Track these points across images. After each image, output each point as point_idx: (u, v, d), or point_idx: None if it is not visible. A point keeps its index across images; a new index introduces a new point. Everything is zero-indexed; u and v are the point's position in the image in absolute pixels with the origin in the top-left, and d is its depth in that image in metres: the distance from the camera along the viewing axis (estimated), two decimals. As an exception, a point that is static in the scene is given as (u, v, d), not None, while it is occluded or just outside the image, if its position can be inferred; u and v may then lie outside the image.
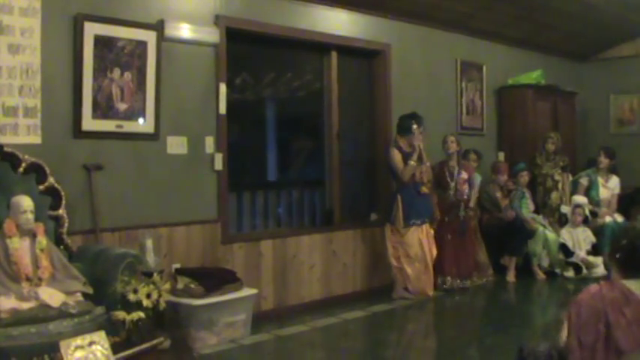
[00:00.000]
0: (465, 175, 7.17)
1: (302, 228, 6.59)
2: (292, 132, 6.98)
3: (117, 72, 4.93)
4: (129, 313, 3.91)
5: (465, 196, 7.13)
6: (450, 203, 7.01)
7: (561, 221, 8.00)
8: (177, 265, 5.22)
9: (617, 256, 2.77)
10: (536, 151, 8.28)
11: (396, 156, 6.48)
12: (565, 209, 7.95)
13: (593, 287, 2.79)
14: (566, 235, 7.64)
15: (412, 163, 6.46)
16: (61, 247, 4.33)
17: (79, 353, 3.50)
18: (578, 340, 2.69)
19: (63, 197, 4.44)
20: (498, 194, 7.67)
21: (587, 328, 2.67)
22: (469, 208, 7.16)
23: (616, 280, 2.77)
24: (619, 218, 7.85)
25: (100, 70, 4.83)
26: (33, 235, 4.04)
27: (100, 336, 3.63)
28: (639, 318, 2.61)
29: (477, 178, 7.66)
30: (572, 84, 9.40)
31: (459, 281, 6.95)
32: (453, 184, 7.04)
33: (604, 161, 8.08)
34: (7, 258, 3.90)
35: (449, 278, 6.89)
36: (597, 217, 7.85)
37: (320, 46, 6.61)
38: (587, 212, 7.78)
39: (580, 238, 7.52)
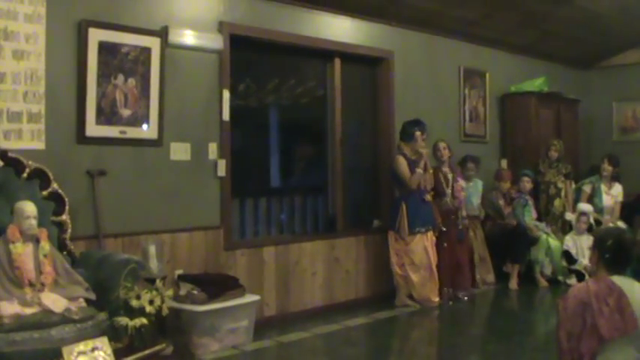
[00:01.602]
0: (462, 182, 7.13)
1: (304, 234, 6.59)
2: (295, 138, 6.98)
3: (121, 78, 4.94)
4: (131, 319, 3.91)
5: (463, 204, 7.09)
6: (447, 210, 6.89)
7: (564, 229, 8.00)
8: (180, 272, 5.21)
9: (607, 256, 2.99)
10: (539, 158, 8.28)
11: (402, 164, 6.47)
12: (569, 217, 7.94)
13: (580, 284, 3.06)
14: (570, 242, 7.63)
15: (419, 171, 6.43)
16: (64, 252, 4.34)
17: (81, 359, 3.50)
18: (566, 332, 2.90)
19: (66, 203, 4.45)
20: (501, 202, 7.67)
21: (575, 318, 2.88)
22: (465, 217, 7.11)
23: (601, 276, 2.98)
24: (622, 226, 7.83)
25: (104, 76, 4.84)
26: (36, 241, 4.05)
27: (103, 342, 3.64)
28: (621, 307, 2.84)
29: (478, 184, 7.64)
30: (575, 91, 9.41)
31: (456, 291, 6.89)
32: (449, 191, 6.95)
33: (607, 169, 8.08)
34: (10, 263, 3.91)
35: (445, 289, 6.79)
36: (601, 225, 7.84)
37: (323, 53, 6.62)
38: (591, 220, 7.78)
39: (584, 246, 7.51)
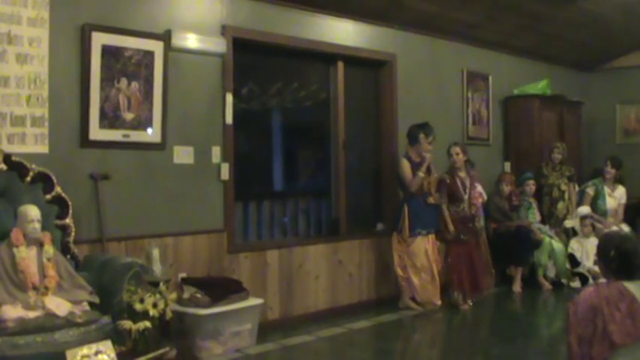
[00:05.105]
0: (479, 188, 7.06)
1: (308, 238, 6.58)
2: (298, 142, 6.98)
3: (124, 82, 4.95)
4: (135, 322, 3.91)
5: (480, 210, 7.05)
6: (464, 217, 6.77)
7: (567, 232, 7.98)
8: (184, 275, 5.22)
9: (612, 266, 2.94)
10: (542, 161, 8.27)
11: (405, 166, 6.49)
12: (569, 224, 7.90)
13: (591, 287, 2.98)
14: (576, 245, 7.63)
15: (420, 174, 6.43)
16: (68, 256, 4.35)
17: (85, 362, 3.51)
18: (576, 336, 2.84)
19: (70, 206, 4.46)
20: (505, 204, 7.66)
21: (585, 323, 2.82)
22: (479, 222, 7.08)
23: (612, 281, 2.94)
24: (625, 228, 7.81)
25: (107, 80, 4.85)
26: (40, 245, 4.06)
27: (106, 345, 3.63)
28: (633, 312, 2.78)
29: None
30: (578, 94, 9.40)
31: (472, 296, 6.83)
32: (466, 197, 6.80)
33: (610, 171, 8.05)
34: (14, 267, 3.92)
35: (460, 294, 6.74)
36: (599, 224, 7.82)
37: (326, 56, 6.62)
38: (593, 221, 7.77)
39: (589, 249, 7.48)
